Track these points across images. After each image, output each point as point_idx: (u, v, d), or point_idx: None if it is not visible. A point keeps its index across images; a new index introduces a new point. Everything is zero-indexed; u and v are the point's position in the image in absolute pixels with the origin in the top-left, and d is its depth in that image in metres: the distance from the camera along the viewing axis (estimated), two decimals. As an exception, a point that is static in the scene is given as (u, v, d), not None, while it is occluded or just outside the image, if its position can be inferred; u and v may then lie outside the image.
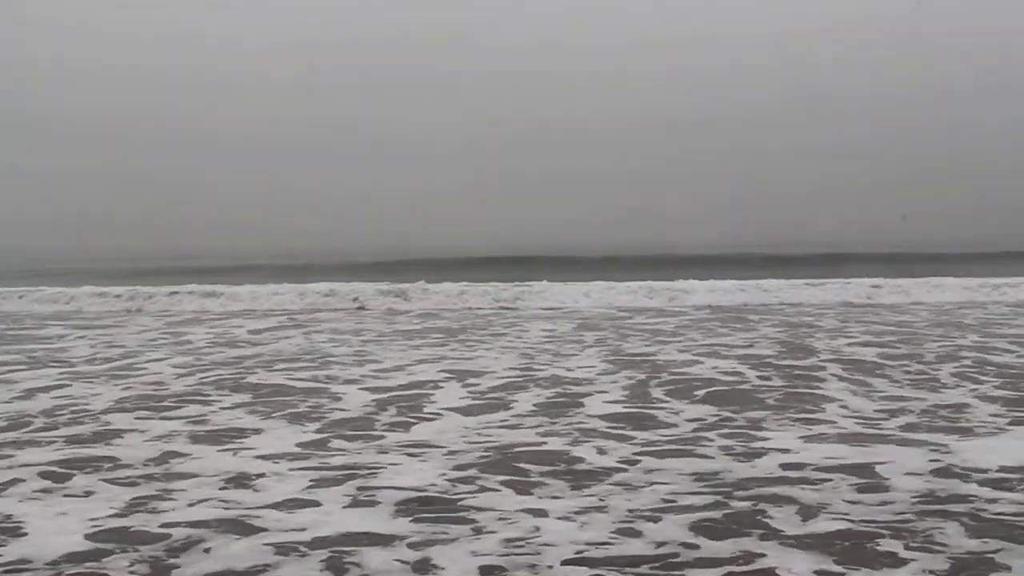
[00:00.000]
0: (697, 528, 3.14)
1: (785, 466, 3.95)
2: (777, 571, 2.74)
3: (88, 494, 3.65)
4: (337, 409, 5.43)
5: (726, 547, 2.94)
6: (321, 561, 2.86)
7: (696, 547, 2.95)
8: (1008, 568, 2.70)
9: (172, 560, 2.90)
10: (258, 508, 3.45)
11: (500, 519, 3.26)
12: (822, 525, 3.15)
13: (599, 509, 3.37)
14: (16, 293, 15.35)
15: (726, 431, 4.67)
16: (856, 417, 5.00)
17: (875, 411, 5.15)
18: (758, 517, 3.24)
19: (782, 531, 3.09)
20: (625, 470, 3.93)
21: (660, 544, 2.98)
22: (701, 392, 5.80)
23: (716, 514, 3.30)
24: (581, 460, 4.11)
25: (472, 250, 22.88)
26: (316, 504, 3.50)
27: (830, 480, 3.71)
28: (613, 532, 3.10)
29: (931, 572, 2.71)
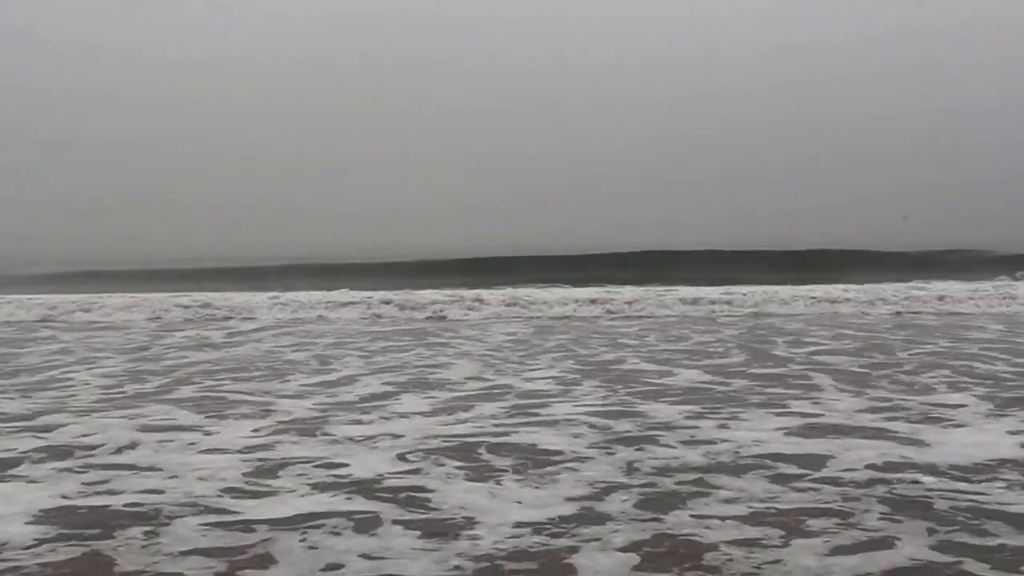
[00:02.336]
0: (640, 504, 3.36)
1: (740, 455, 4.15)
2: (697, 538, 2.98)
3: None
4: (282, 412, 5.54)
5: (651, 525, 3.14)
6: (288, 542, 3.01)
7: (634, 521, 3.16)
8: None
9: (136, 541, 3.04)
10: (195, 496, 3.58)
11: (454, 502, 3.44)
12: (750, 506, 3.35)
13: (543, 489, 3.56)
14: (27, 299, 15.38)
15: (695, 424, 4.87)
16: (829, 412, 5.19)
17: (851, 407, 5.34)
18: (682, 498, 3.46)
19: (707, 511, 3.28)
20: (588, 457, 4.12)
21: (607, 520, 3.17)
22: (679, 396, 5.93)
23: (654, 493, 3.49)
24: (542, 450, 4.29)
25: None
26: (265, 491, 3.65)
27: (776, 466, 3.91)
28: (556, 510, 3.29)
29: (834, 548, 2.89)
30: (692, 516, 3.21)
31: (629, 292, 14.83)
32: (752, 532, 3.03)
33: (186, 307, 14.07)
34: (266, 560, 2.83)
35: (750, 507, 3.31)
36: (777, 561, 2.76)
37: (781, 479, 3.70)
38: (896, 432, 4.58)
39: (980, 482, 3.64)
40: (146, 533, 3.09)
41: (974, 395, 5.67)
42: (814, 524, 3.10)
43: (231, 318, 13.29)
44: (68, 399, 5.93)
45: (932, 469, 3.85)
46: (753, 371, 6.88)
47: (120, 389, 6.35)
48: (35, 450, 4.39)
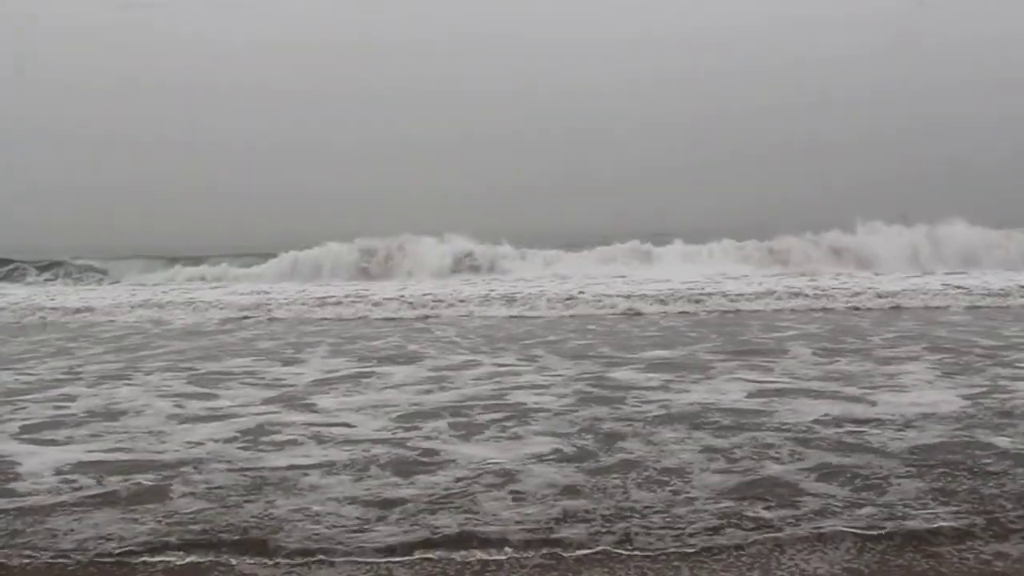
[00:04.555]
0: (600, 440, 4.28)
1: (686, 410, 4.98)
2: (639, 459, 3.90)
3: None
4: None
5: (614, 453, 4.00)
6: (302, 479, 3.77)
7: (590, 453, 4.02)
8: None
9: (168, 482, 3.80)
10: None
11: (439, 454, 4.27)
12: (686, 442, 4.23)
13: (514, 439, 4.41)
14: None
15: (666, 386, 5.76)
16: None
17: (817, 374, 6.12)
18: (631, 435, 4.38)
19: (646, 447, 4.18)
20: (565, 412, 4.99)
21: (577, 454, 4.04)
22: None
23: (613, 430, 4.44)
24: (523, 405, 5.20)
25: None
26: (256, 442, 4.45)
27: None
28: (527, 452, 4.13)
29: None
30: (637, 447, 4.09)
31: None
32: (675, 459, 3.88)
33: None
34: (289, 489, 3.62)
35: (684, 442, 4.16)
36: (669, 478, 3.60)
37: (723, 426, 4.51)
38: (847, 394, 5.30)
39: (894, 429, 4.33)
40: (185, 473, 3.86)
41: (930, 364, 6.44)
42: (729, 455, 3.92)
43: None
44: (79, 377, 6.71)
45: (863, 421, 4.53)
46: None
47: (123, 369, 7.11)
48: (52, 419, 5.13)
